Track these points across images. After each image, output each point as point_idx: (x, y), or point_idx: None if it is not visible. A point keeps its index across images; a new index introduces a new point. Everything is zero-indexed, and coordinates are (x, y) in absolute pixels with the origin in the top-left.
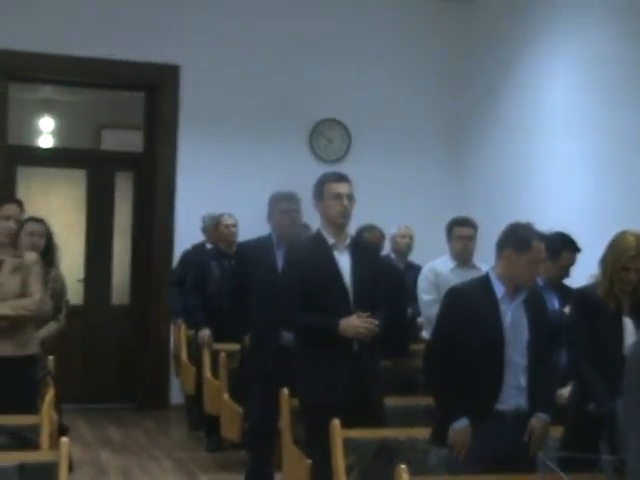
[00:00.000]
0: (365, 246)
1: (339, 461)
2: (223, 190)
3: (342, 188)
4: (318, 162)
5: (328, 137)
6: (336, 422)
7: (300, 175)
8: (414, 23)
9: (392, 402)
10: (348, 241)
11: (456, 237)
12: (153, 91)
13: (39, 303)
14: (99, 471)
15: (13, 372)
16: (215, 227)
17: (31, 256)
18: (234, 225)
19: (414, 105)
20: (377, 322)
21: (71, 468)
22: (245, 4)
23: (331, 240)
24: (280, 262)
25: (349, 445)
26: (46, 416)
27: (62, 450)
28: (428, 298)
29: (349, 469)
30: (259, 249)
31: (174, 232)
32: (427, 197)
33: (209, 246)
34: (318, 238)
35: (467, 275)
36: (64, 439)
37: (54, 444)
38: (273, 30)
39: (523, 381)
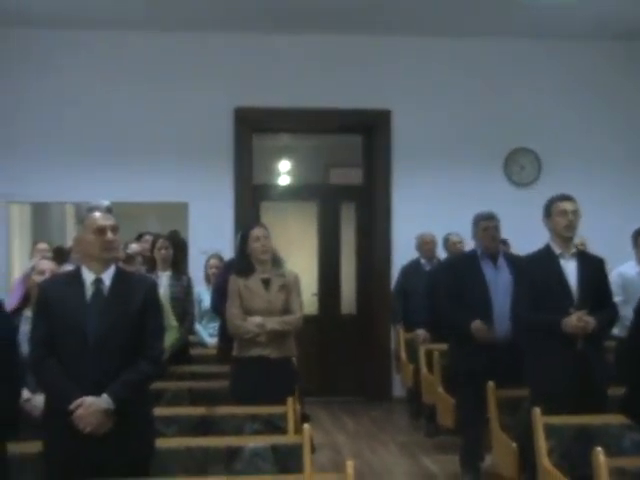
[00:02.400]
0: (591, 255)
1: (541, 444)
2: (431, 213)
3: (568, 206)
4: (512, 186)
5: (521, 164)
6: (537, 410)
7: (496, 197)
8: (593, 60)
9: None
10: (574, 250)
11: (638, 245)
12: (369, 133)
13: (299, 320)
14: (336, 452)
15: (278, 370)
16: (444, 244)
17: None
18: (460, 242)
19: (596, 136)
20: (592, 320)
21: (313, 449)
22: (441, 56)
23: (558, 250)
24: (485, 272)
25: (550, 430)
26: (291, 407)
27: (305, 435)
28: (617, 299)
29: (550, 451)
30: (467, 262)
31: (391, 251)
32: (615, 215)
33: (423, 261)
34: (547, 249)
35: None
36: (306, 426)
37: (298, 430)
38: (471, 74)
39: None
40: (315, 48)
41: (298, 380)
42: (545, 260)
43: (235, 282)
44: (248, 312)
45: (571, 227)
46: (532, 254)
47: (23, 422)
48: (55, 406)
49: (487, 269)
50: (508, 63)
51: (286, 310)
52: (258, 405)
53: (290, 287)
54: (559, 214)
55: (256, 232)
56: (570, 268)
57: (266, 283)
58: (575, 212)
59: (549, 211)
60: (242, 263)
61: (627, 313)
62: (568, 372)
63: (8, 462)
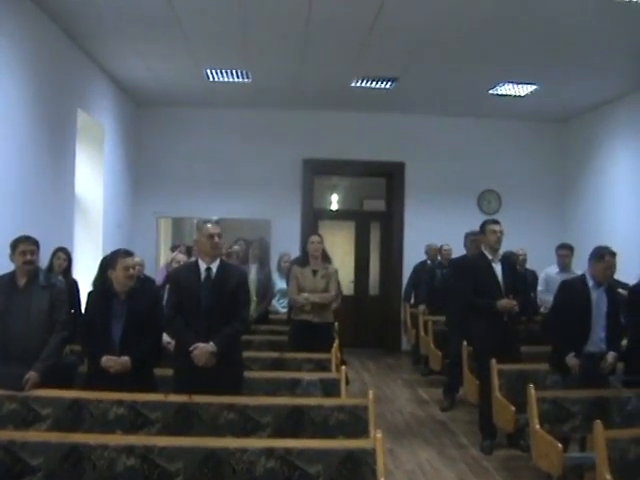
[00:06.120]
0: (510, 260)
1: (495, 382)
2: (430, 231)
3: (496, 227)
4: (481, 214)
5: (488, 199)
6: (493, 360)
7: (471, 221)
8: (534, 135)
9: (524, 349)
10: (499, 257)
11: (558, 255)
12: (389, 177)
13: (333, 297)
14: (363, 384)
15: (319, 330)
16: (437, 251)
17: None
18: (449, 249)
19: (533, 185)
20: (516, 303)
21: (347, 382)
22: (438, 128)
23: (490, 257)
24: (496, 268)
25: (500, 372)
26: (334, 354)
27: (342, 373)
28: (540, 289)
29: (500, 387)
30: (479, 261)
31: (403, 254)
32: (537, 230)
33: (429, 262)
34: (482, 255)
35: (565, 276)
36: (343, 367)
37: (338, 369)
38: (457, 141)
39: (603, 335)
40: (355, 120)
41: (334, 338)
42: (480, 264)
43: (295, 270)
44: (301, 290)
45: (498, 241)
46: (470, 258)
47: (164, 356)
48: (180, 348)
49: (496, 267)
50: (482, 135)
51: (325, 290)
52: (305, 353)
53: (330, 276)
54: (490, 232)
55: (312, 238)
56: (498, 269)
57: (314, 272)
58: (501, 231)
59: (483, 230)
60: (302, 257)
61: (549, 298)
62: (497, 336)
63: (155, 379)
